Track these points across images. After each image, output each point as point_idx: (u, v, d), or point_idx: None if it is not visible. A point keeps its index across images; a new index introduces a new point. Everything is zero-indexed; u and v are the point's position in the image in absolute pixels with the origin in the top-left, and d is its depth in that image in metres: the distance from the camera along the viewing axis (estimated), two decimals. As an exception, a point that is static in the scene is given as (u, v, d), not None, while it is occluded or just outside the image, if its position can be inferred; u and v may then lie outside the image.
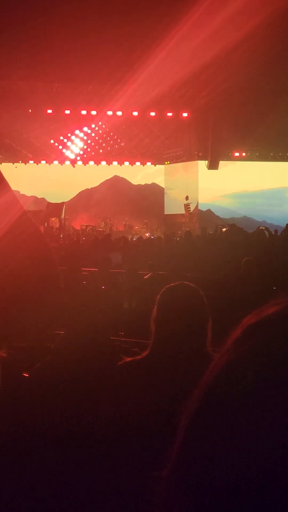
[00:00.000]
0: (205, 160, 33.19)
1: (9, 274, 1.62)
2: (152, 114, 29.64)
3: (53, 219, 26.65)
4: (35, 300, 1.64)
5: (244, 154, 34.75)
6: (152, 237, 26.80)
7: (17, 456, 2.20)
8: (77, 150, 36.33)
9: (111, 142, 36.78)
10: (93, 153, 36.70)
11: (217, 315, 3.01)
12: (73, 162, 36.36)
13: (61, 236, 25.74)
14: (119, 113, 29.16)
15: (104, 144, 36.79)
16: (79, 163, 36.51)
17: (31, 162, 36.12)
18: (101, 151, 36.84)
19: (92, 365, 2.71)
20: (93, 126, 34.97)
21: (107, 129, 35.39)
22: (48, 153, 35.93)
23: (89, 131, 35.57)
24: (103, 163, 36.58)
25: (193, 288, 2.98)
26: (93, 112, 29.04)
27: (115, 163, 36.71)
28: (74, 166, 36.55)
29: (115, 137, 36.29)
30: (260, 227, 19.55)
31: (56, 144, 35.91)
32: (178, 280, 3.13)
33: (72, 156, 36.31)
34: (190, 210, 35.12)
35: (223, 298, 8.69)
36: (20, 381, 3.28)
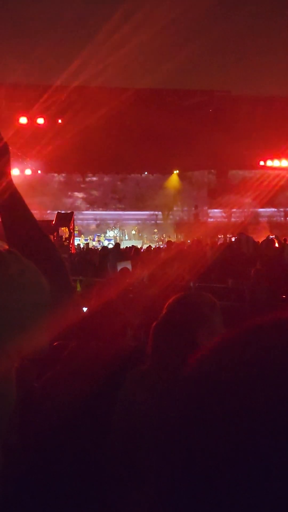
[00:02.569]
0: (213, 169, 33.23)
1: (21, 285, 1.63)
2: (160, 123, 29.72)
3: (63, 229, 26.68)
4: (46, 308, 1.65)
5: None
6: (162, 246, 26.80)
7: (27, 466, 2.20)
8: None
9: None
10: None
11: (225, 326, 2.95)
12: (83, 173, 36.43)
13: (71, 246, 25.77)
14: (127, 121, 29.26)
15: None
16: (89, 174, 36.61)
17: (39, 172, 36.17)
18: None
19: (102, 375, 2.71)
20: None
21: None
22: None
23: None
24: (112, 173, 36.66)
25: (207, 298, 2.90)
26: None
27: (124, 172, 36.69)
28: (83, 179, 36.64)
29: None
30: (270, 236, 19.54)
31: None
32: (188, 290, 3.12)
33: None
34: (199, 218, 35.10)
35: (231, 308, 8.70)
36: (31, 391, 3.29)
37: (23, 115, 28.19)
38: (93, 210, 36.27)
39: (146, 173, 37.66)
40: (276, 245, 18.52)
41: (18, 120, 28.02)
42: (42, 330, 1.64)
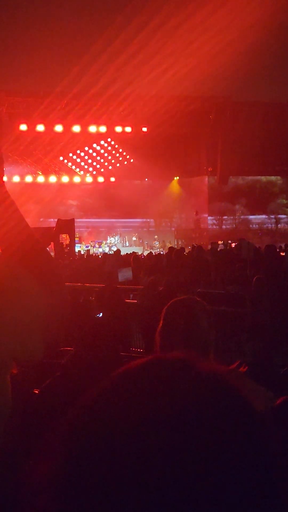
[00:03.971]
0: (214, 175, 33.26)
1: (16, 293, 1.63)
2: (161, 130, 29.76)
3: (63, 235, 26.63)
4: (43, 316, 1.65)
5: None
6: (162, 252, 26.81)
7: (27, 471, 2.18)
8: (86, 167, 36.49)
9: (120, 158, 36.88)
10: (102, 170, 36.78)
11: (225, 331, 3.01)
12: (83, 178, 36.45)
13: (71, 253, 25.72)
14: (128, 129, 29.28)
15: (113, 161, 36.89)
16: (88, 179, 36.54)
17: (41, 179, 36.20)
18: (110, 167, 36.92)
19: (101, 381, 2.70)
20: (102, 142, 35.17)
21: (116, 146, 35.55)
22: (57, 169, 36.09)
23: (98, 148, 35.75)
24: (112, 179, 36.59)
25: (200, 303, 2.99)
26: (102, 129, 29.15)
27: (124, 179, 36.72)
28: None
29: (124, 153, 36.39)
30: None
31: (66, 161, 36.06)
32: (187, 295, 3.14)
33: (81, 173, 36.44)
34: (199, 225, 35.13)
35: (232, 313, 8.69)
36: (30, 397, 3.28)
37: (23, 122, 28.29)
38: (87, 218, 36.15)
39: (146, 179, 37.69)
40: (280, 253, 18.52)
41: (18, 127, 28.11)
42: (37, 338, 1.64)
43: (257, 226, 37.50)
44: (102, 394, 0.83)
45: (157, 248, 34.56)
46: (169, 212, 38.79)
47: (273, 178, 37.11)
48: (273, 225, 38.03)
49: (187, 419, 0.74)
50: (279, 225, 38.17)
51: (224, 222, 36.97)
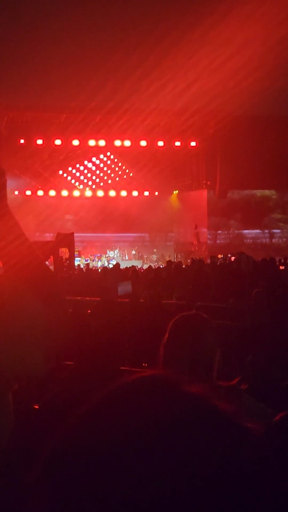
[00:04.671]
0: (213, 189, 33.30)
1: (16, 309, 1.63)
2: (160, 143, 29.85)
3: (62, 249, 26.63)
4: (44, 333, 1.65)
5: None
6: (161, 266, 26.80)
7: (28, 487, 2.17)
8: (85, 181, 36.52)
9: (120, 172, 36.93)
10: (101, 184, 36.79)
11: (225, 345, 3.02)
12: (82, 192, 36.44)
13: (70, 266, 25.70)
14: (127, 143, 29.36)
15: (112, 175, 36.93)
16: (87, 193, 36.51)
17: (40, 193, 36.20)
18: (109, 181, 36.94)
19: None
20: (101, 156, 35.25)
21: (116, 159, 35.63)
22: (56, 183, 36.11)
23: (97, 162, 35.83)
24: (112, 193, 36.56)
25: (206, 319, 3.00)
26: (102, 142, 29.24)
27: (123, 193, 36.69)
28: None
29: (124, 167, 36.46)
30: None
31: (65, 175, 36.11)
32: (187, 309, 3.16)
33: (80, 187, 36.46)
34: (199, 239, 35.12)
35: (232, 327, 8.67)
36: (30, 412, 3.27)
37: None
38: (83, 233, 36.00)
39: (147, 193, 37.67)
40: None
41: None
42: (38, 354, 1.64)
43: (251, 240, 37.51)
44: (88, 412, 0.84)
45: (154, 261, 34.57)
46: (168, 226, 38.77)
47: (267, 192, 37.15)
48: (267, 240, 38.02)
49: (166, 440, 0.75)
50: (273, 240, 38.18)
51: (218, 236, 36.98)
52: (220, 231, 36.96)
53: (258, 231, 37.93)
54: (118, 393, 0.86)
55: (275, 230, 38.33)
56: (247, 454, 0.78)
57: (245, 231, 37.66)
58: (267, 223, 38.00)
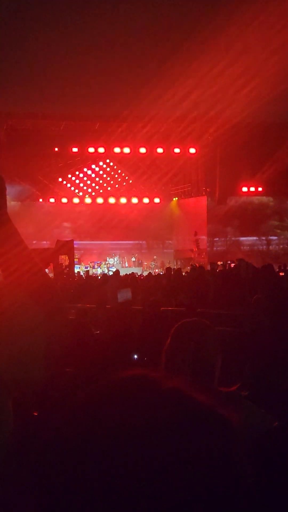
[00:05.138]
0: (213, 195, 33.34)
1: (17, 318, 1.63)
2: (160, 150, 29.88)
3: (62, 256, 26.62)
4: (44, 340, 1.64)
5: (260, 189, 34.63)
6: (161, 273, 26.79)
7: (28, 496, 2.16)
8: (85, 188, 36.53)
9: (119, 179, 36.95)
10: (101, 191, 36.81)
11: (225, 351, 3.02)
12: (82, 199, 36.44)
13: (70, 274, 25.69)
14: (126, 150, 29.40)
15: (112, 182, 36.94)
16: (87, 200, 36.49)
17: (40, 200, 36.24)
18: (109, 188, 36.96)
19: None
20: (101, 163, 35.29)
21: (115, 167, 35.66)
22: (56, 191, 36.13)
23: (97, 169, 35.87)
24: (112, 200, 36.55)
25: (208, 325, 3.01)
26: (101, 150, 29.29)
27: (123, 200, 36.67)
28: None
29: (123, 174, 36.49)
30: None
31: (64, 182, 36.13)
32: (188, 316, 3.15)
33: (80, 194, 36.47)
34: (198, 245, 35.13)
35: (232, 334, 8.66)
36: (30, 420, 3.25)
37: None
38: (80, 240, 35.94)
39: (147, 200, 37.67)
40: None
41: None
42: (39, 362, 1.64)
43: (248, 248, 37.46)
44: (77, 406, 0.88)
45: (153, 268, 34.56)
46: (166, 234, 38.75)
47: (265, 199, 37.10)
48: (264, 247, 37.98)
49: (149, 432, 0.77)
50: (270, 247, 38.13)
51: (215, 244, 36.94)
52: (217, 238, 36.93)
53: (255, 238, 37.90)
54: (101, 391, 0.88)
55: (272, 237, 38.30)
56: (220, 439, 0.80)
57: (242, 238, 37.63)
58: (264, 230, 37.96)
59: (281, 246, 38.10)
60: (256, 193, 35.16)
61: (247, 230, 36.97)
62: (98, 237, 37.02)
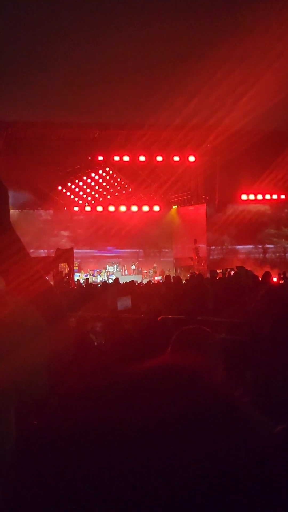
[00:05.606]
0: (212, 203, 33.37)
1: (20, 326, 1.63)
2: (159, 158, 29.94)
3: (62, 264, 26.66)
4: (47, 349, 1.64)
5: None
6: (161, 280, 26.81)
7: (29, 504, 2.15)
8: (85, 196, 36.52)
9: (119, 187, 36.94)
10: (100, 199, 36.78)
11: (226, 359, 3.03)
12: (81, 207, 36.42)
13: (70, 282, 25.72)
14: (126, 158, 29.46)
15: (111, 190, 36.94)
16: (87, 208, 36.47)
17: (40, 209, 36.23)
18: (109, 196, 36.94)
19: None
20: (100, 172, 35.31)
21: (114, 175, 35.68)
22: (56, 199, 36.13)
23: (96, 177, 35.87)
24: (111, 208, 36.51)
25: (209, 333, 3.01)
26: (100, 158, 29.34)
27: (123, 208, 36.63)
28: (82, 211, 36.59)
29: (123, 182, 36.50)
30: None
31: (64, 190, 36.12)
32: (189, 324, 3.16)
33: (80, 202, 36.45)
34: (198, 253, 35.13)
35: (232, 342, 8.66)
36: (30, 428, 3.24)
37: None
38: (78, 249, 35.89)
39: (147, 208, 37.67)
40: (275, 279, 18.56)
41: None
42: (41, 371, 1.64)
43: (244, 256, 37.46)
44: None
45: (151, 276, 34.54)
46: (162, 242, 38.71)
47: (262, 207, 37.09)
48: (260, 255, 37.97)
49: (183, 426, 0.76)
50: (267, 255, 38.12)
51: (211, 252, 36.95)
52: (213, 247, 36.92)
53: (251, 246, 37.90)
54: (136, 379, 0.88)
55: (268, 245, 38.31)
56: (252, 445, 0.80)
57: (238, 247, 37.62)
58: (261, 238, 37.97)
59: (278, 255, 38.11)
60: (255, 201, 35.22)
61: (243, 239, 36.98)
62: (96, 246, 37.02)
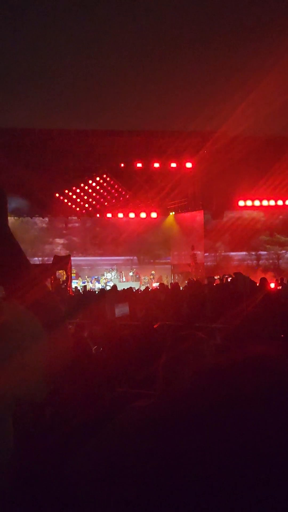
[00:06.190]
0: (209, 210, 33.39)
1: (19, 333, 1.64)
2: (156, 165, 29.96)
3: (59, 271, 26.68)
4: (45, 356, 1.65)
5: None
6: (159, 287, 26.83)
7: (23, 506, 2.17)
8: (82, 203, 36.51)
9: (116, 194, 36.93)
10: (98, 206, 36.78)
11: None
12: (79, 214, 36.42)
13: (68, 289, 25.73)
14: (123, 164, 29.52)
15: (109, 197, 36.92)
16: (85, 215, 36.46)
17: (37, 216, 36.20)
18: (106, 203, 36.93)
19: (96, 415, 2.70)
20: (97, 178, 35.31)
21: (112, 182, 35.67)
22: (54, 206, 36.09)
23: (93, 184, 35.86)
24: (109, 215, 36.51)
25: (204, 338, 3.03)
26: (97, 165, 29.40)
27: (120, 215, 36.64)
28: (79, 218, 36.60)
29: (120, 189, 36.49)
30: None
31: (61, 197, 36.10)
32: (186, 330, 3.18)
33: (77, 209, 36.44)
34: (196, 260, 35.15)
35: (228, 348, 8.66)
36: (28, 433, 3.26)
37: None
38: (73, 256, 35.87)
39: (144, 214, 37.68)
40: (272, 285, 18.58)
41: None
42: (39, 377, 1.64)
43: (237, 263, 37.50)
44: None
45: (147, 282, 34.57)
46: (163, 247, 38.76)
47: (256, 214, 37.14)
48: (254, 262, 38.02)
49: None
50: (260, 262, 38.16)
51: (205, 259, 36.99)
52: (207, 254, 36.96)
53: (244, 253, 37.96)
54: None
55: (262, 252, 38.37)
56: None
57: (232, 253, 37.65)
58: (255, 245, 38.03)
59: (271, 261, 38.19)
60: (253, 207, 35.25)
61: (237, 245, 37.05)
62: (91, 253, 37.04)
